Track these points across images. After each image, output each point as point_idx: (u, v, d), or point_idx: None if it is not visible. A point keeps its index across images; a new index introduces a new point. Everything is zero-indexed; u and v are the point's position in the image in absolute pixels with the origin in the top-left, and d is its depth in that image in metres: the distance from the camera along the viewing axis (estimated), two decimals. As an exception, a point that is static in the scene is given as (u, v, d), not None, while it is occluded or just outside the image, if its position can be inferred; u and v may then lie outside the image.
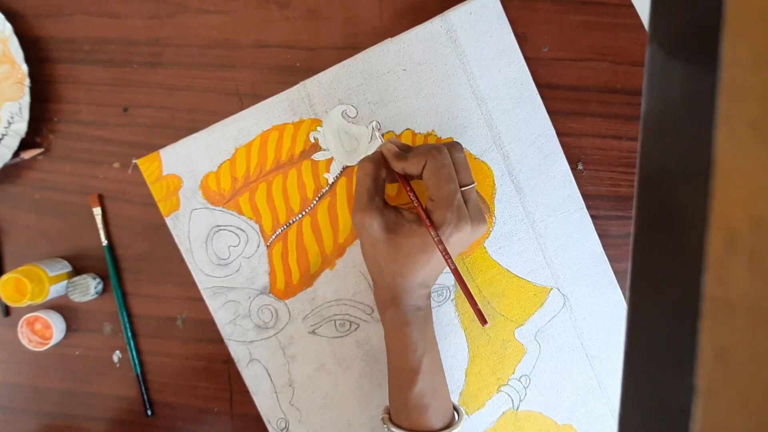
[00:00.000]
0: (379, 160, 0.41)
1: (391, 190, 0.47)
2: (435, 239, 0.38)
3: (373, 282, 0.43)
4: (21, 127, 0.47)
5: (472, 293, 0.40)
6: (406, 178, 0.41)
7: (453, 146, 0.40)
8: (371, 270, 0.43)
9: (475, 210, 0.39)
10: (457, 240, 0.38)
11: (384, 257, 0.40)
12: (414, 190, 0.41)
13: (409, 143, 0.47)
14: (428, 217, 0.39)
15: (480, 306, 0.40)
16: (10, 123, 0.47)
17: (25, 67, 0.47)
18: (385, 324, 0.42)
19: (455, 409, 0.44)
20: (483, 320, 0.39)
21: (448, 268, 0.43)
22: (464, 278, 0.47)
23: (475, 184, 0.40)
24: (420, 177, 0.40)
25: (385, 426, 0.42)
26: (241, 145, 0.47)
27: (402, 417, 0.41)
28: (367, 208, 0.39)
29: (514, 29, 0.45)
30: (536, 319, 0.48)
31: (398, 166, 0.40)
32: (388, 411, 0.43)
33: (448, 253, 0.38)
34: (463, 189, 0.39)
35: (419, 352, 0.41)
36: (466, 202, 0.39)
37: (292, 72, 0.47)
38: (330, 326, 0.48)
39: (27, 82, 0.46)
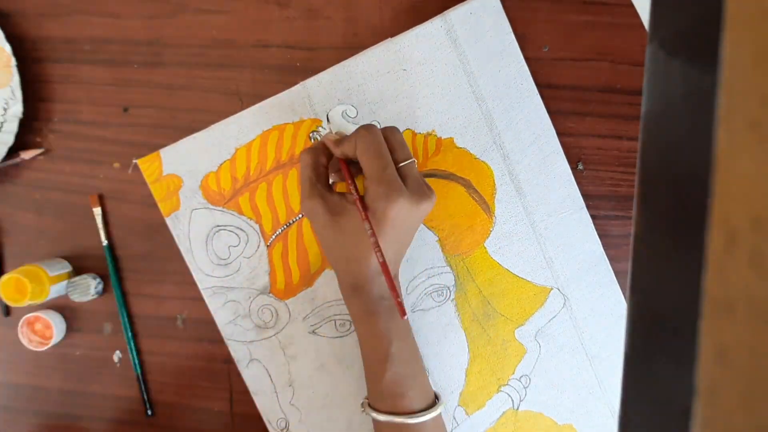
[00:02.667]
0: (317, 149, 0.42)
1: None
2: (366, 225, 0.38)
3: (335, 271, 0.43)
4: (17, 109, 0.47)
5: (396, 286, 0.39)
6: (348, 166, 0.42)
7: (388, 128, 0.41)
8: (330, 259, 0.43)
9: (415, 184, 0.39)
10: (397, 215, 0.38)
11: (334, 242, 0.40)
12: (352, 176, 0.41)
13: (409, 143, 0.47)
14: (362, 199, 0.39)
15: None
16: (5, 109, 0.46)
17: (8, 48, 0.46)
18: (351, 313, 0.42)
19: (436, 395, 0.44)
20: (402, 312, 0.38)
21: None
22: (463, 277, 0.47)
23: (414, 160, 0.41)
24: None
25: (363, 410, 0.42)
26: (241, 145, 0.47)
27: (379, 403, 0.41)
28: (310, 194, 0.40)
29: (514, 29, 0.45)
30: (536, 319, 0.48)
31: (337, 151, 0.41)
32: (367, 398, 0.44)
33: (376, 239, 0.38)
34: (401, 165, 0.40)
35: (386, 340, 0.41)
36: (404, 177, 0.39)
37: (292, 72, 0.47)
38: (330, 326, 0.48)
39: (13, 62, 0.46)
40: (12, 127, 0.47)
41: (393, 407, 0.41)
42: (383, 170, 0.38)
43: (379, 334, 0.41)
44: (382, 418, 0.41)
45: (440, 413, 0.42)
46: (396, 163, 0.39)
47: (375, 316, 0.41)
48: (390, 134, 0.41)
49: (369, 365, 0.42)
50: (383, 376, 0.41)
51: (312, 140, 0.47)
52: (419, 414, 0.40)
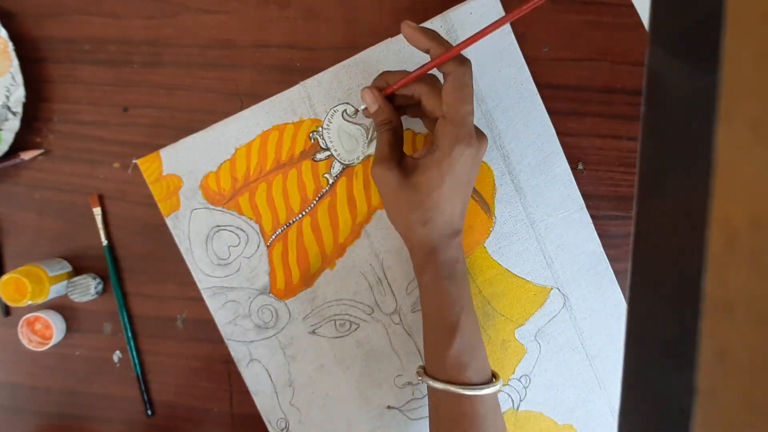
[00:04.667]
0: (389, 108, 0.41)
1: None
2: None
3: (407, 243, 0.42)
4: (20, 93, 0.47)
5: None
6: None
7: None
8: (401, 230, 0.42)
9: (477, 129, 0.40)
10: (469, 158, 0.38)
11: (408, 204, 0.39)
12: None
13: (409, 143, 0.47)
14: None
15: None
16: (8, 96, 0.46)
17: (4, 33, 0.46)
18: (423, 282, 0.41)
19: (493, 372, 0.42)
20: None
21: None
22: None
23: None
24: (418, 99, 0.40)
25: (420, 379, 0.41)
26: (241, 145, 0.47)
27: (439, 372, 0.40)
28: (390, 157, 0.40)
29: (514, 29, 0.45)
30: (536, 319, 0.48)
31: (425, 43, 0.38)
32: (422, 368, 0.42)
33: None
34: None
35: (457, 308, 0.40)
36: None
37: (292, 72, 0.47)
38: (330, 326, 0.48)
39: (10, 47, 0.46)
40: (18, 111, 0.47)
41: (455, 377, 0.39)
42: (468, 118, 0.37)
43: (451, 302, 0.40)
44: (440, 386, 0.39)
45: (497, 392, 0.41)
46: None
47: (448, 282, 0.40)
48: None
49: (435, 334, 0.41)
50: (451, 346, 0.39)
51: (312, 140, 0.47)
52: (479, 387, 0.39)
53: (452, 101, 0.37)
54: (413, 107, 0.42)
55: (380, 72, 0.42)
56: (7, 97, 0.47)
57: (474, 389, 0.38)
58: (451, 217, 0.40)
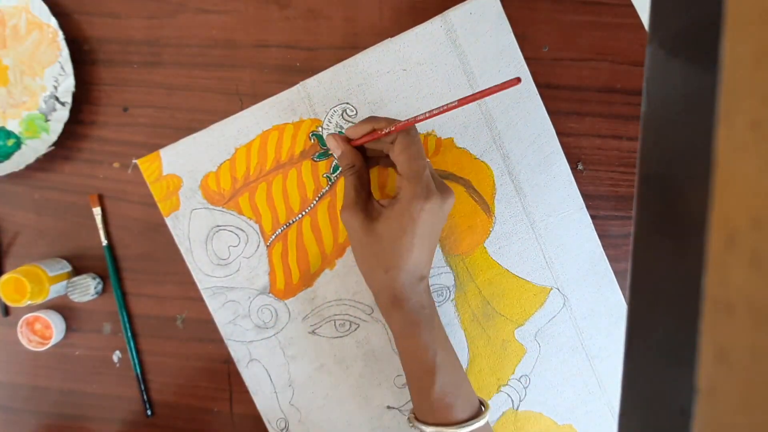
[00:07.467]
0: (355, 153, 0.42)
1: (389, 184, 0.47)
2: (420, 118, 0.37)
3: (371, 288, 0.43)
4: (69, 83, 0.46)
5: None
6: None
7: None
8: (365, 274, 0.42)
9: (440, 183, 0.41)
10: (429, 212, 0.39)
11: (371, 252, 0.40)
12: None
13: (409, 143, 0.47)
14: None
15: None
16: (56, 87, 0.46)
17: (54, 22, 0.46)
18: (393, 327, 0.42)
19: (480, 401, 0.43)
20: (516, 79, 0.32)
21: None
22: (463, 277, 0.47)
23: (429, 161, 0.42)
24: (383, 155, 0.41)
25: (411, 425, 0.42)
26: (241, 145, 0.47)
27: (428, 416, 0.40)
28: (353, 203, 0.41)
29: (514, 29, 0.45)
30: (536, 319, 0.48)
31: (366, 127, 0.40)
32: (413, 412, 0.43)
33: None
34: None
35: (431, 351, 0.40)
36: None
37: (292, 72, 0.47)
38: (330, 326, 0.48)
39: (60, 36, 0.46)
40: (67, 101, 0.47)
41: (443, 419, 0.40)
42: (422, 171, 0.39)
43: (424, 345, 0.40)
44: (430, 430, 0.40)
45: (488, 421, 0.41)
46: None
47: (418, 327, 0.40)
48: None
49: (415, 379, 0.41)
50: (432, 389, 0.40)
51: (312, 140, 0.47)
52: (468, 423, 0.39)
53: (403, 160, 0.39)
54: (385, 158, 0.43)
55: (367, 117, 0.42)
56: (56, 87, 0.46)
57: (464, 426, 0.39)
58: (416, 265, 0.40)
